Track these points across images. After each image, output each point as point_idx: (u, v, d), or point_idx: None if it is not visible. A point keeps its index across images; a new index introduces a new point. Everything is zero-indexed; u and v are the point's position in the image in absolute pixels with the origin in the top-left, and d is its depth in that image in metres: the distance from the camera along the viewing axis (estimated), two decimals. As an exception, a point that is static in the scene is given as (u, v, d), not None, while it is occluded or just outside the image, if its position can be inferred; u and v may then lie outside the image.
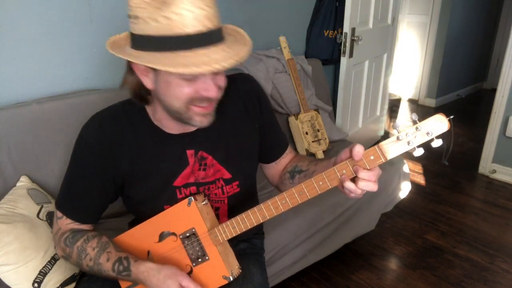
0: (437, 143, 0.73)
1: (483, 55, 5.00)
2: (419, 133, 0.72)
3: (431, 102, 4.54)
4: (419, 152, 0.74)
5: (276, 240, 1.52)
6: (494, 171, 2.85)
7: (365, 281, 1.87)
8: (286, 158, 1.12)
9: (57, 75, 1.60)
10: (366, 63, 2.77)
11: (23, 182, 1.35)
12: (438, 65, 4.39)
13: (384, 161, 0.76)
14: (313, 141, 2.18)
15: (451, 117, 0.73)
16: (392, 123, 3.91)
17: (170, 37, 0.74)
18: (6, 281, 1.10)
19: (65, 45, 1.58)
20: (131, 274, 0.92)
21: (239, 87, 1.03)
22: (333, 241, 1.81)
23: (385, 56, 3.06)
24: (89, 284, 1.08)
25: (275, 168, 1.13)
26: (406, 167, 2.13)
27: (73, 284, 1.21)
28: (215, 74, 0.82)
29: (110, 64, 1.73)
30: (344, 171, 0.77)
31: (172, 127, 0.96)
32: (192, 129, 0.97)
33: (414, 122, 0.73)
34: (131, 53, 0.80)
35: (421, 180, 2.86)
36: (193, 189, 1.00)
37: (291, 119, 2.18)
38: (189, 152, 0.97)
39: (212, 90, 0.81)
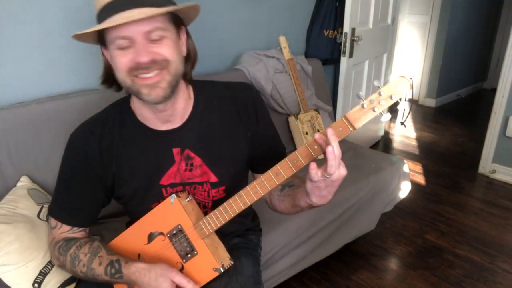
0: (402, 106, 0.75)
1: (483, 55, 5.00)
2: (382, 98, 0.72)
3: (431, 102, 4.54)
4: (387, 117, 0.75)
5: (276, 240, 1.52)
6: (494, 171, 2.85)
7: (365, 281, 1.87)
8: None
9: (57, 75, 1.60)
10: (366, 63, 2.77)
11: (23, 182, 1.35)
12: (438, 65, 4.39)
13: (352, 130, 0.76)
14: (313, 141, 2.18)
15: (413, 76, 0.74)
16: (391, 123, 3.91)
17: (101, 8, 0.82)
18: (6, 281, 1.10)
19: (65, 45, 1.58)
20: (123, 276, 0.93)
21: (236, 94, 1.03)
22: (333, 241, 1.81)
23: (385, 56, 3.06)
24: (90, 284, 1.08)
25: None
26: (406, 167, 2.13)
27: (73, 285, 1.21)
28: (151, 42, 0.83)
29: (110, 64, 1.73)
30: (315, 146, 0.79)
31: (152, 122, 0.97)
32: (178, 124, 0.98)
33: (377, 88, 0.73)
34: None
35: (421, 180, 2.86)
36: (179, 189, 1.01)
37: (291, 119, 2.18)
38: (175, 150, 0.98)
39: (141, 55, 0.81)
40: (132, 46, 0.82)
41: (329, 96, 2.56)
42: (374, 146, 3.37)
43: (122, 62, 0.83)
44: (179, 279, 0.89)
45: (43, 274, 1.14)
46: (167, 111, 0.94)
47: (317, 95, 2.37)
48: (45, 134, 1.42)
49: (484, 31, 4.79)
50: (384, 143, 3.53)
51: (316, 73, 2.40)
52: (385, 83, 3.13)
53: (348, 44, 2.40)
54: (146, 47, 0.82)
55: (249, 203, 0.89)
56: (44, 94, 1.56)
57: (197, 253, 0.95)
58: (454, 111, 4.39)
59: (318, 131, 2.20)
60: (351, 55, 2.46)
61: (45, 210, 1.27)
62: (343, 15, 2.37)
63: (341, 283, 1.85)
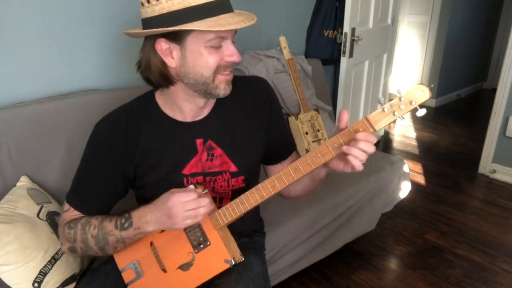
0: (421, 112, 0.78)
1: (483, 55, 5.00)
2: (403, 103, 0.77)
3: (431, 102, 4.54)
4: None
5: (277, 239, 1.52)
6: (494, 171, 2.85)
7: (365, 281, 1.87)
8: (291, 161, 1.13)
9: (57, 75, 1.60)
10: (366, 63, 2.77)
11: (23, 182, 1.35)
12: (438, 65, 4.39)
13: (372, 132, 0.80)
14: (313, 141, 2.18)
15: (431, 86, 0.79)
16: (391, 123, 3.91)
17: (197, 6, 0.81)
18: (6, 281, 1.10)
19: (65, 45, 1.58)
20: (133, 222, 0.93)
21: (253, 87, 1.08)
22: (333, 241, 1.81)
23: (385, 56, 3.06)
24: (90, 284, 1.08)
25: (278, 169, 1.13)
26: (406, 167, 2.13)
27: (73, 284, 1.21)
28: (233, 43, 0.89)
29: (110, 64, 1.73)
30: (335, 145, 0.82)
31: (182, 115, 0.99)
32: (202, 116, 1.01)
33: (398, 94, 0.78)
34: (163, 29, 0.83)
35: (421, 180, 2.86)
36: (200, 178, 1.03)
37: (291, 119, 2.18)
38: (198, 141, 1.01)
39: (236, 55, 0.88)
40: (222, 45, 0.86)
41: (329, 96, 2.56)
42: (374, 146, 3.36)
43: (213, 59, 0.87)
44: (186, 197, 0.89)
45: (43, 273, 1.14)
46: (206, 105, 0.99)
47: (317, 95, 2.37)
48: (45, 134, 1.42)
49: (484, 31, 4.79)
50: (384, 143, 3.54)
51: (316, 73, 2.40)
52: (386, 83, 3.14)
53: (348, 44, 2.40)
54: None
55: (266, 197, 0.91)
56: (44, 94, 1.56)
57: (210, 243, 0.96)
58: (454, 111, 4.39)
59: (318, 131, 2.20)
60: (351, 55, 2.46)
61: (45, 210, 1.27)
62: (343, 15, 2.37)
63: (341, 283, 1.85)
